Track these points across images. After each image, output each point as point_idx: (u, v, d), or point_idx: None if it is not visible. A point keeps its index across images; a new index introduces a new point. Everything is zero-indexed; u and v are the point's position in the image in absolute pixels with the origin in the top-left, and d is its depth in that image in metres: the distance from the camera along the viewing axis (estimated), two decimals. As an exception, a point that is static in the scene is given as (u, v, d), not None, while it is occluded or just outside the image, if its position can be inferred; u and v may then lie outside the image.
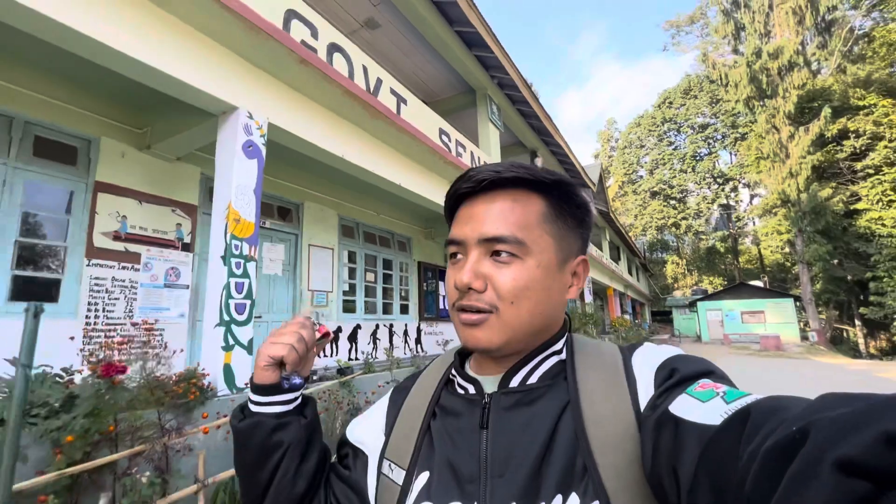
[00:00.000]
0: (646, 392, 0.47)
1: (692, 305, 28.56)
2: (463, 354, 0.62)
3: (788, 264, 32.96)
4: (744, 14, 23.54)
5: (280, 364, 0.58)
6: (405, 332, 7.84)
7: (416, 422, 0.57)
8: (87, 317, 3.68)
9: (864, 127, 20.76)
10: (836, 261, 22.40)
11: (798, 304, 23.85)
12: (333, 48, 4.49)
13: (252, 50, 3.50)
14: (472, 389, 0.55)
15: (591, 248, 15.16)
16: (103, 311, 3.80)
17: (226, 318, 3.17)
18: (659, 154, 42.72)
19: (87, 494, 2.14)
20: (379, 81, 5.18)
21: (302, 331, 0.59)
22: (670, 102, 42.57)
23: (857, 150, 21.22)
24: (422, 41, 7.34)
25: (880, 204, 20.24)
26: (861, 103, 21.22)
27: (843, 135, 21.56)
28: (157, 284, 4.22)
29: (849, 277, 22.36)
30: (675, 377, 0.45)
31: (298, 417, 0.60)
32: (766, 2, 22.58)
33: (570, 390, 0.50)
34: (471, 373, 0.57)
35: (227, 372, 3.11)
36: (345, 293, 6.57)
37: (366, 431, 0.62)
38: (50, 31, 2.53)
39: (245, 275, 3.33)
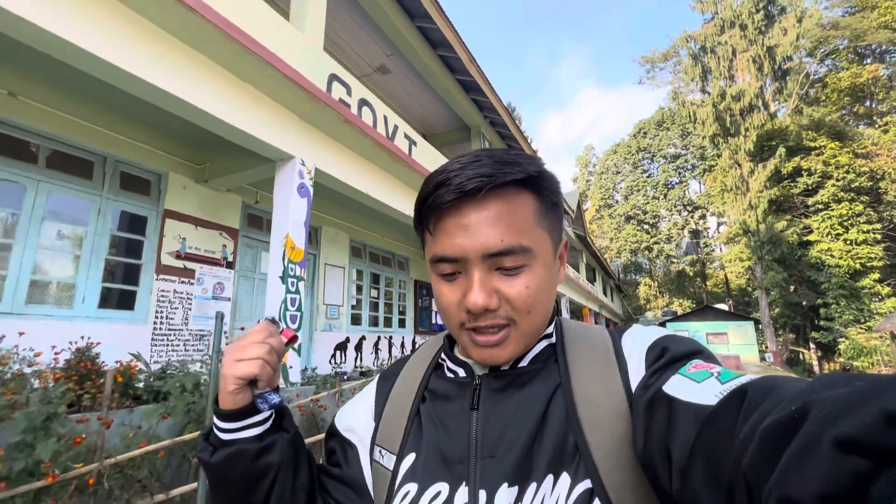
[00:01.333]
0: (637, 372, 0.47)
1: (662, 326, 30.08)
2: (452, 338, 0.61)
3: (750, 289, 35.05)
4: (710, 58, 25.75)
5: (251, 382, 0.52)
6: (402, 344, 8.64)
7: (405, 406, 0.56)
8: (154, 323, 4.40)
9: (815, 166, 22.84)
10: (792, 287, 24.27)
11: (758, 326, 25.56)
12: (363, 102, 5.40)
13: (306, 110, 4.37)
14: (462, 373, 0.55)
15: (569, 270, 16.30)
16: (166, 318, 4.52)
17: (283, 326, 3.94)
18: (633, 181, 44.99)
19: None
20: (395, 128, 6.11)
21: (270, 340, 0.53)
22: (645, 133, 45.12)
23: (809, 187, 23.26)
24: (426, 86, 8.34)
25: (829, 236, 22.19)
26: (813, 144, 23.38)
27: (797, 172, 23.61)
28: (207, 297, 4.95)
29: (804, 303, 24.23)
30: (666, 356, 0.45)
31: (281, 434, 0.55)
32: (729, 49, 24.81)
33: (561, 372, 0.50)
34: (460, 356, 0.57)
35: (284, 369, 3.88)
36: (353, 307, 7.36)
37: (354, 418, 0.61)
38: (148, 93, 3.29)
39: (297, 291, 4.12)
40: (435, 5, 6.68)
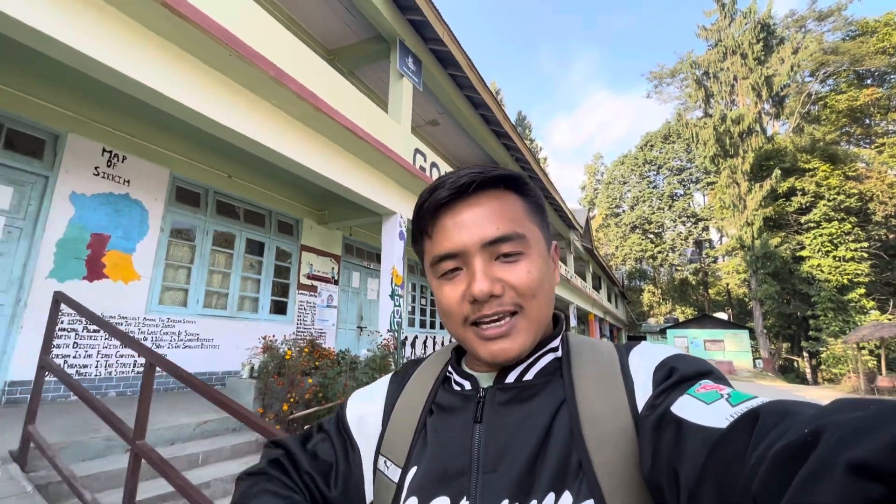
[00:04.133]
0: (643, 391, 0.46)
1: (663, 332, 31.92)
2: (459, 351, 0.61)
3: (747, 299, 36.71)
4: (713, 83, 27.55)
5: None
6: (443, 342, 10.63)
7: (412, 419, 0.56)
8: (296, 323, 6.40)
9: (808, 187, 24.54)
10: (787, 299, 25.95)
11: (753, 335, 27.29)
12: (433, 165, 7.38)
13: (404, 179, 6.35)
14: (467, 385, 0.55)
15: (577, 280, 18.17)
16: (302, 320, 6.52)
17: (392, 328, 5.92)
18: (640, 192, 46.74)
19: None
20: (452, 179, 8.08)
21: None
22: (651, 145, 46.90)
23: (803, 206, 24.96)
24: (466, 134, 10.34)
25: (820, 253, 23.87)
26: (806, 166, 25.07)
27: (792, 192, 25.32)
28: (323, 305, 6.95)
29: (798, 314, 25.89)
30: (674, 376, 0.44)
31: None
32: (731, 76, 26.60)
33: (566, 387, 0.49)
34: (467, 369, 0.57)
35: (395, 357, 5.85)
36: (410, 313, 9.35)
37: (367, 410, 0.60)
38: (307, 172, 5.27)
39: (399, 305, 6.09)
40: (480, 81, 8.64)
